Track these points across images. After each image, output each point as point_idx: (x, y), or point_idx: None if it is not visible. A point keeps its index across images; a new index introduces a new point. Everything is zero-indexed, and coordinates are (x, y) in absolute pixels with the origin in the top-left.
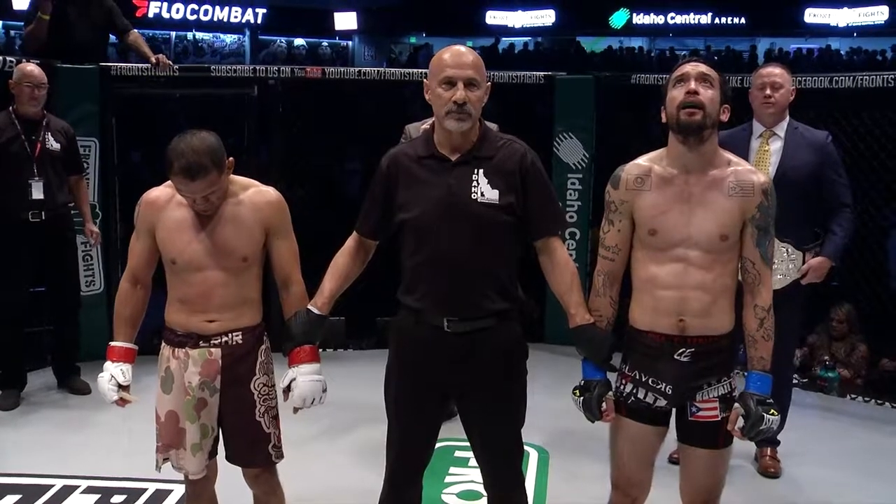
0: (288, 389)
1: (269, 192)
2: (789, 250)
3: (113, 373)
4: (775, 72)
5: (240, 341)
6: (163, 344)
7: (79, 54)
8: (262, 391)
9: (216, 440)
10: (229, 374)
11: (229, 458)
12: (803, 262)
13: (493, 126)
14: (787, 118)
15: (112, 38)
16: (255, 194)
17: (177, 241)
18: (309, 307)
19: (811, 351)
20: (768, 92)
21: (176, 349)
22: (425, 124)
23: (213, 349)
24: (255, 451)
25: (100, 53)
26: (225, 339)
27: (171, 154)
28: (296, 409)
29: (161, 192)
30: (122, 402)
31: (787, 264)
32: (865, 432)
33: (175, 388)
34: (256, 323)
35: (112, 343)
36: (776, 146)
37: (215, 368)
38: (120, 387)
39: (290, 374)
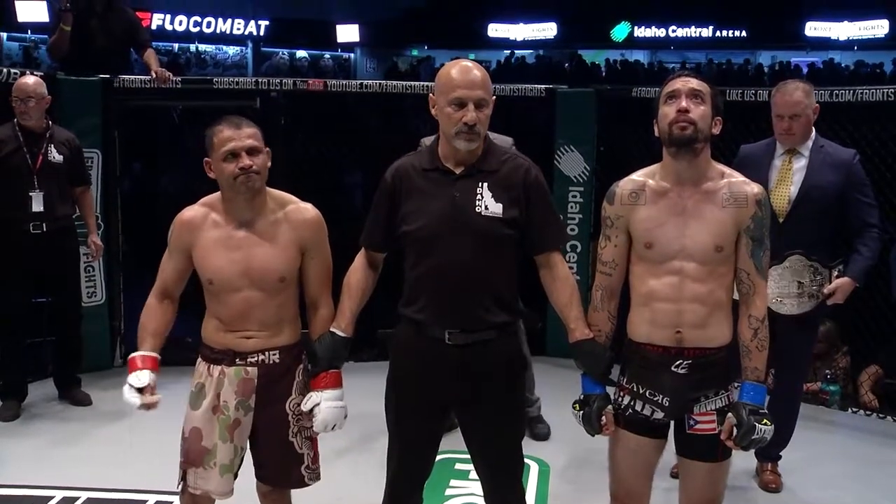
0: (310, 413)
1: (308, 210)
2: (818, 268)
3: (130, 381)
4: (793, 100)
5: (277, 360)
6: (199, 359)
7: (98, 65)
8: (297, 411)
9: (241, 460)
10: (265, 393)
11: (261, 478)
12: (829, 281)
13: (507, 140)
14: (814, 135)
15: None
16: (293, 211)
17: (213, 262)
18: (333, 330)
19: None
20: (787, 125)
21: (211, 366)
22: None
23: (249, 368)
24: (287, 471)
25: (119, 65)
26: (262, 357)
27: (213, 126)
28: (316, 433)
29: (196, 212)
30: (147, 406)
31: (814, 284)
32: (867, 446)
33: (203, 405)
34: (294, 342)
35: (133, 354)
36: (800, 164)
37: (251, 387)
38: (139, 391)
39: (314, 399)
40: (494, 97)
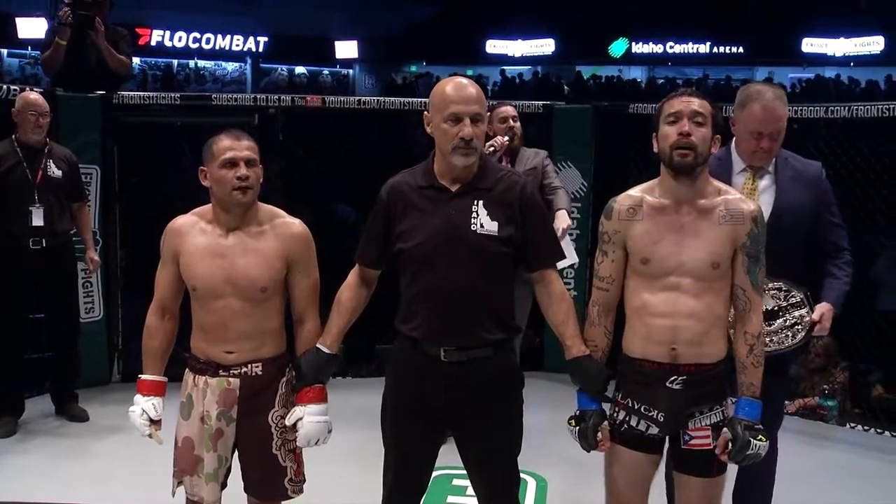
0: (293, 427)
1: (295, 225)
2: (791, 292)
3: (144, 407)
4: (778, 113)
5: (259, 372)
6: (187, 370)
7: (91, 80)
8: (280, 424)
9: (228, 471)
10: (247, 404)
11: (247, 490)
12: (811, 308)
13: (542, 153)
14: None
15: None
16: (280, 225)
17: (197, 268)
18: (318, 346)
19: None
20: (767, 144)
21: (196, 376)
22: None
23: (231, 379)
24: (271, 484)
25: (112, 81)
26: (244, 369)
27: (213, 139)
28: (299, 448)
29: (185, 220)
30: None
31: (806, 317)
32: (865, 461)
33: (193, 415)
34: (278, 354)
35: (142, 376)
36: (765, 182)
37: (233, 398)
38: (152, 421)
39: (297, 413)
40: (489, 113)
